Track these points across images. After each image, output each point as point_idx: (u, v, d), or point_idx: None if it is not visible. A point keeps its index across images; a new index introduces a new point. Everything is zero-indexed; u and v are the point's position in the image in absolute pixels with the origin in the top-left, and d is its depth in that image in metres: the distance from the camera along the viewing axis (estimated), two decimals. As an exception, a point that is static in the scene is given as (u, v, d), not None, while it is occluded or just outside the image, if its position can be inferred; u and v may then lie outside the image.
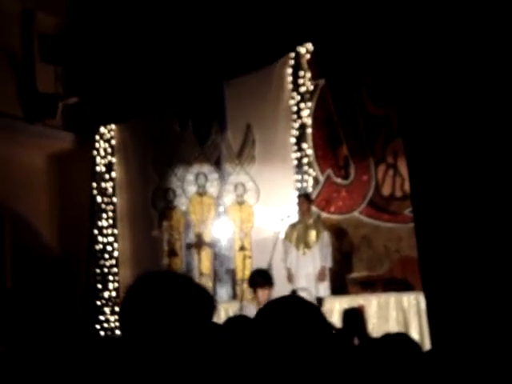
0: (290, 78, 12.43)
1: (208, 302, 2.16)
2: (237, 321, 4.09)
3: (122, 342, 2.10)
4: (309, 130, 12.38)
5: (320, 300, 10.40)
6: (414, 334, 9.73)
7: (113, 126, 14.06)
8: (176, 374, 2.05)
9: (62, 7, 13.87)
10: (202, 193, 13.35)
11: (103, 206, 13.85)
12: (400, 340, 2.89)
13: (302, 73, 12.36)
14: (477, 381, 2.17)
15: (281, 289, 10.26)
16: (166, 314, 2.07)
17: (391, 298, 10.29)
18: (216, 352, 2.16)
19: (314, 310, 2.24)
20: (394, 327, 9.97)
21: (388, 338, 2.92)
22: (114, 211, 13.89)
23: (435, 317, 2.51)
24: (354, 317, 9.93)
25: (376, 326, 10.09)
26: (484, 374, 2.18)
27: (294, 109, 12.40)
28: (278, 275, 10.66)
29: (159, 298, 2.11)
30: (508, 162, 2.31)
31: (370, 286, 11.31)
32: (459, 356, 2.30)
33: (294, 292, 9.60)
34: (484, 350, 2.25)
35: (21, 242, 13.40)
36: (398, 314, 10.13)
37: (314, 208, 11.86)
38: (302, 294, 10.02)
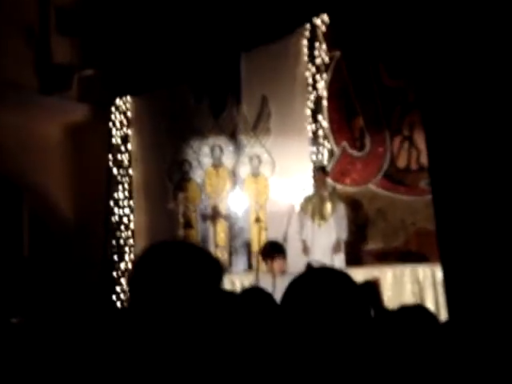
0: (305, 50, 12.39)
1: (216, 270, 2.16)
2: (252, 292, 4.11)
3: (130, 311, 2.11)
4: (324, 102, 12.36)
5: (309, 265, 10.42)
6: (430, 306, 9.74)
7: (128, 98, 14.06)
8: (188, 343, 2.06)
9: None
10: (217, 165, 13.37)
11: (119, 177, 13.89)
12: (417, 312, 2.91)
13: (317, 44, 12.32)
14: (494, 352, 2.19)
15: (296, 261, 10.31)
16: (175, 282, 2.08)
17: (406, 270, 10.28)
18: (230, 321, 2.17)
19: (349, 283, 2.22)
20: (409, 299, 9.99)
21: (404, 309, 2.94)
22: (129, 183, 13.93)
23: (452, 288, 2.53)
24: (370, 289, 9.95)
25: (391, 298, 10.09)
26: (501, 345, 2.19)
27: (310, 81, 12.38)
28: (294, 247, 10.70)
29: (168, 266, 2.12)
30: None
31: (385, 257, 11.32)
32: (476, 327, 2.32)
33: (309, 264, 9.62)
34: (501, 322, 2.27)
35: (38, 214, 13.49)
36: (413, 285, 10.13)
37: (329, 180, 11.86)
38: (318, 265, 10.06)
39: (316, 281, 2.22)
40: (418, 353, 2.60)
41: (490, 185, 2.41)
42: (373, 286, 10.05)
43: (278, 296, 2.86)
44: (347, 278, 2.21)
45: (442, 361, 2.55)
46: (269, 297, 3.98)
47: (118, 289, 13.49)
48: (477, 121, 2.55)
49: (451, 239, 2.53)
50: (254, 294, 3.99)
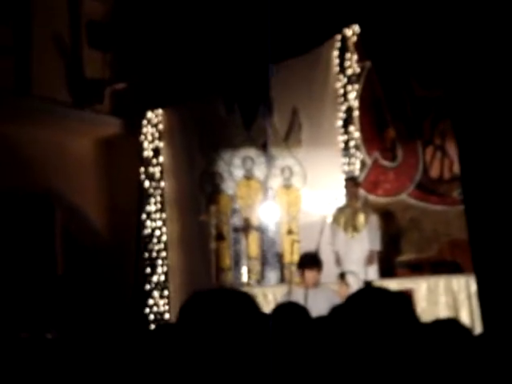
0: (336, 61, 12.39)
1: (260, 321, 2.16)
2: (286, 308, 4.06)
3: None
4: (355, 113, 12.33)
5: (368, 284, 10.36)
6: (465, 318, 9.65)
7: (160, 111, 14.11)
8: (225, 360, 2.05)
9: (108, -7, 13.96)
10: (249, 176, 13.36)
11: (151, 190, 13.92)
12: (451, 325, 2.86)
13: (348, 55, 12.30)
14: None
15: (329, 272, 10.26)
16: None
17: (440, 281, 10.19)
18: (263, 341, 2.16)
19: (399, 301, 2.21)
20: (443, 311, 9.90)
21: (438, 323, 2.90)
22: (161, 196, 13.96)
23: (486, 300, 2.48)
24: (403, 300, 9.87)
25: (425, 310, 10.02)
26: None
27: (341, 91, 12.36)
28: (326, 259, 10.63)
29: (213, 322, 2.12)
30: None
31: (418, 268, 11.24)
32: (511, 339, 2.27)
33: (342, 274, 9.55)
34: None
35: (71, 228, 13.56)
36: (447, 297, 10.03)
37: (361, 191, 11.81)
38: (351, 277, 10.01)
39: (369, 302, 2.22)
40: (452, 366, 2.56)
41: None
42: (406, 298, 10.00)
43: (310, 307, 2.84)
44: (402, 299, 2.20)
45: (475, 375, 2.51)
46: (303, 311, 3.94)
47: (150, 301, 13.50)
48: (508, 131, 2.51)
49: (484, 250, 2.49)
50: (289, 310, 3.93)
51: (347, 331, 2.12)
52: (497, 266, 2.42)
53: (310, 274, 8.33)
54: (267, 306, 9.88)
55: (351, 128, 12.27)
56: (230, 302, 2.18)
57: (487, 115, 2.61)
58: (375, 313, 2.14)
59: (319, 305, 6.83)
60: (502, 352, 2.29)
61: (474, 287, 9.41)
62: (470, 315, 9.70)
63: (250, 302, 2.21)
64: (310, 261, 8.51)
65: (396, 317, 2.13)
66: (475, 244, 2.55)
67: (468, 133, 2.66)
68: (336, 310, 2.19)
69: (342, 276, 9.48)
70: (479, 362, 2.56)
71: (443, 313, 9.81)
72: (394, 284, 10.42)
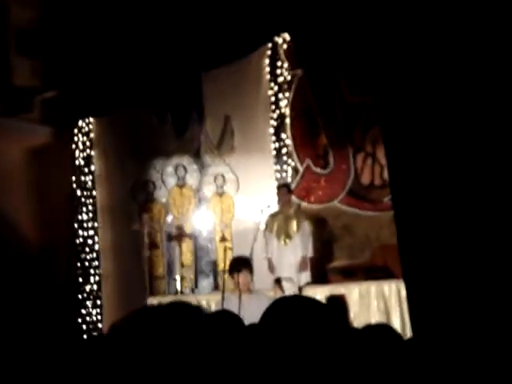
0: (267, 69, 12.46)
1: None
2: (220, 316, 4.06)
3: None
4: (287, 120, 12.41)
5: (300, 289, 10.44)
6: (396, 322, 9.79)
7: (91, 119, 14.00)
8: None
9: (37, 0, 13.79)
10: (181, 184, 13.34)
11: (83, 199, 13.80)
12: (382, 331, 2.91)
13: (279, 63, 12.38)
14: (457, 369, 2.19)
15: (263, 279, 10.31)
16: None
17: (372, 287, 10.32)
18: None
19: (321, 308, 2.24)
20: (375, 315, 10.02)
21: (370, 328, 2.94)
22: (94, 204, 13.84)
23: (415, 305, 2.53)
24: (337, 305, 9.97)
25: (357, 315, 10.13)
26: (464, 362, 2.19)
27: (272, 99, 12.44)
28: (260, 266, 10.68)
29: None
30: (486, 147, 2.32)
31: (351, 274, 11.34)
32: (440, 344, 2.32)
33: (278, 279, 9.59)
34: (465, 338, 2.27)
35: (1, 237, 13.34)
36: (379, 302, 10.17)
37: (294, 198, 11.88)
38: (286, 283, 10.07)
39: (291, 306, 2.24)
40: (383, 370, 2.60)
41: (451, 200, 2.42)
42: (340, 302, 10.10)
43: (244, 315, 2.85)
44: (319, 304, 2.23)
45: (405, 378, 2.55)
46: (237, 319, 3.94)
47: (83, 311, 13.37)
48: (437, 137, 2.56)
49: (413, 255, 2.53)
50: (222, 317, 3.93)
51: (277, 338, 2.14)
52: (425, 272, 2.47)
53: (241, 277, 8.34)
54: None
55: (283, 135, 12.34)
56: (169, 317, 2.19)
57: (415, 122, 2.66)
58: (304, 319, 2.16)
59: (254, 311, 6.84)
60: (429, 356, 2.33)
61: (404, 292, 9.55)
62: (401, 319, 9.84)
63: (191, 313, 2.22)
64: (241, 264, 8.53)
65: (325, 323, 2.15)
66: (404, 249, 2.59)
67: (396, 139, 2.70)
68: (265, 318, 2.20)
69: (278, 281, 9.53)
70: (408, 366, 2.61)
71: (375, 317, 9.93)
72: (326, 290, 10.52)
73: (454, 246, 2.41)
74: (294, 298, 2.39)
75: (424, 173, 2.54)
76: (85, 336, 12.91)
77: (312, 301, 2.27)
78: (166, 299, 10.10)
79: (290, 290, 9.96)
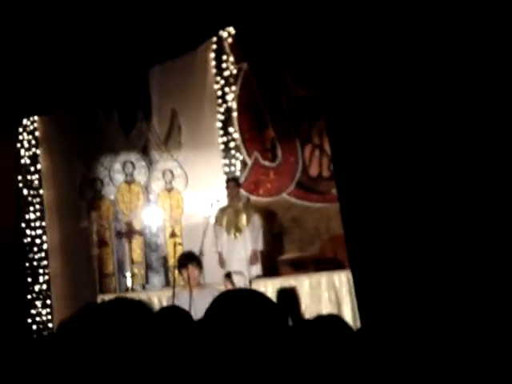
0: (213, 63, 12.44)
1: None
2: (168, 312, 4.06)
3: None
4: (234, 114, 12.43)
5: (251, 283, 10.45)
6: (347, 312, 9.86)
7: (36, 118, 13.84)
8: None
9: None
10: (129, 181, 13.28)
11: (30, 198, 13.62)
12: (332, 321, 2.93)
13: (224, 57, 12.37)
14: (404, 357, 2.21)
15: (213, 273, 10.31)
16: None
17: (323, 278, 10.38)
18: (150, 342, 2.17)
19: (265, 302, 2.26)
20: (326, 307, 10.07)
21: (320, 319, 2.96)
22: (41, 203, 13.68)
23: (363, 294, 2.55)
24: (288, 297, 10.01)
25: (309, 307, 10.17)
26: (411, 350, 2.22)
27: (219, 93, 12.43)
28: (210, 260, 10.69)
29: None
30: (426, 139, 2.35)
31: (301, 266, 11.39)
32: (387, 333, 2.34)
33: (228, 274, 9.59)
34: (411, 327, 2.29)
35: None
36: (330, 293, 10.22)
37: (242, 192, 11.90)
38: (236, 277, 10.07)
39: (234, 301, 2.25)
40: (333, 360, 2.62)
41: (394, 190, 2.44)
42: (291, 294, 10.13)
43: (195, 309, 2.85)
44: (262, 297, 2.25)
45: (354, 368, 2.57)
46: (186, 315, 3.94)
47: (33, 311, 13.23)
48: (380, 129, 2.58)
49: (359, 245, 2.55)
50: (172, 313, 3.93)
51: (221, 332, 2.14)
52: (371, 261, 2.49)
53: (190, 271, 8.33)
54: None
55: (231, 129, 12.36)
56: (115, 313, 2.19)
57: (358, 114, 2.68)
58: (248, 312, 2.17)
59: (205, 306, 6.84)
60: (377, 346, 2.36)
61: (354, 282, 9.62)
62: (352, 310, 9.90)
63: (141, 310, 2.22)
64: (188, 259, 8.54)
65: (271, 315, 2.17)
66: (350, 240, 2.61)
67: (340, 131, 2.72)
68: (209, 313, 2.21)
69: (228, 275, 9.53)
70: (358, 357, 2.63)
71: (326, 309, 9.98)
72: (277, 282, 10.54)
73: (398, 236, 2.43)
74: (239, 292, 2.41)
75: (368, 164, 2.55)
76: (35, 336, 12.78)
77: (257, 294, 2.28)
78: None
79: (240, 283, 9.96)
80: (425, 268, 2.29)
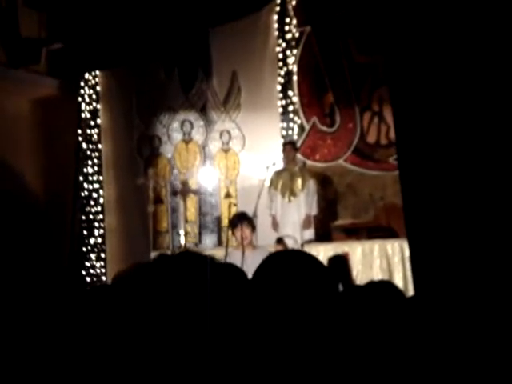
0: (275, 25, 12.36)
1: None
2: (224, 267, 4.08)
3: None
4: (295, 78, 12.37)
5: (302, 246, 10.47)
6: (398, 281, 9.84)
7: (98, 73, 13.95)
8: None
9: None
10: (187, 140, 13.35)
11: (88, 152, 13.80)
12: (384, 287, 2.93)
13: (287, 19, 12.29)
14: (457, 328, 2.22)
15: (266, 236, 10.35)
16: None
17: (375, 245, 10.36)
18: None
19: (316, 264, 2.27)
20: (377, 274, 10.07)
21: (372, 285, 2.97)
22: (99, 158, 13.85)
23: (418, 264, 2.54)
24: (339, 263, 10.02)
25: (360, 273, 10.18)
26: (464, 322, 2.22)
27: (280, 56, 12.37)
28: (264, 222, 10.73)
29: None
30: (498, 117, 2.32)
31: (354, 233, 11.38)
32: (441, 303, 2.34)
33: (279, 239, 9.62)
34: (466, 298, 2.29)
35: (6, 188, 13.38)
36: (381, 261, 10.21)
37: (299, 156, 11.88)
38: (289, 241, 10.09)
39: (285, 261, 2.26)
40: (384, 327, 2.63)
41: (457, 161, 2.43)
42: (342, 260, 10.14)
43: (247, 270, 2.87)
44: (313, 259, 2.25)
45: (406, 335, 2.58)
46: (240, 273, 3.97)
47: (87, 264, 13.45)
48: (444, 97, 2.56)
49: (417, 215, 2.55)
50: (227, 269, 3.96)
51: (272, 292, 2.16)
52: (429, 232, 2.49)
53: (241, 231, 8.35)
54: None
55: (290, 93, 12.31)
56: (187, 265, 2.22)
57: (424, 82, 2.66)
58: (298, 273, 2.19)
59: (257, 266, 6.88)
60: (431, 314, 2.36)
61: (407, 251, 9.58)
62: (403, 278, 9.89)
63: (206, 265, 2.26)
64: (241, 218, 8.55)
65: (321, 278, 2.18)
66: (408, 209, 2.60)
67: (403, 98, 2.70)
68: (259, 273, 2.23)
69: (280, 241, 9.55)
70: (411, 322, 2.64)
71: (378, 276, 9.99)
72: (329, 248, 10.56)
73: (458, 207, 2.42)
74: (290, 253, 2.42)
75: (431, 133, 2.54)
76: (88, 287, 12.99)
77: (308, 256, 2.30)
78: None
79: (293, 247, 9.98)
80: (488, 242, 2.28)
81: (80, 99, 13.87)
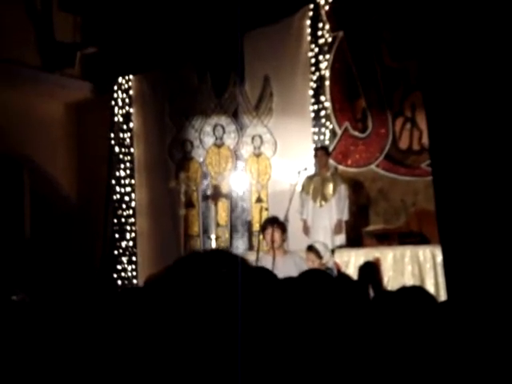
0: (308, 30, 12.37)
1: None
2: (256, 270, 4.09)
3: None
4: (327, 83, 12.36)
5: (333, 252, 10.42)
6: (430, 288, 9.77)
7: (131, 77, 14.03)
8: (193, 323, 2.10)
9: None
10: (219, 144, 13.38)
11: (121, 156, 13.86)
12: (416, 293, 2.93)
13: (320, 25, 12.29)
14: (490, 334, 2.21)
15: (297, 241, 10.34)
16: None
17: (407, 251, 10.30)
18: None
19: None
20: (409, 280, 10.01)
21: (404, 290, 2.96)
22: (131, 162, 13.91)
23: (451, 270, 2.54)
24: (370, 269, 9.99)
25: (391, 279, 10.14)
26: (497, 326, 2.22)
27: (313, 61, 12.37)
28: (295, 227, 10.72)
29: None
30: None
31: (385, 239, 11.33)
32: (474, 308, 2.34)
33: (310, 247, 9.58)
34: (499, 304, 2.29)
35: (39, 191, 13.51)
36: (413, 267, 10.15)
37: (331, 161, 11.87)
38: (319, 247, 10.06)
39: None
40: (416, 332, 2.63)
41: (489, 167, 2.42)
42: (373, 267, 10.11)
43: (277, 274, 2.88)
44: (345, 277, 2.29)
45: (439, 340, 2.58)
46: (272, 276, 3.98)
47: (118, 267, 13.52)
48: (478, 103, 2.56)
49: (451, 221, 2.54)
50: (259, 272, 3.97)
51: (313, 295, 2.17)
52: (462, 238, 2.48)
53: (271, 234, 8.36)
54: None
55: (322, 98, 12.30)
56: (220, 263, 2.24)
57: (457, 87, 2.65)
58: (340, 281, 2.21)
59: (288, 272, 6.89)
60: (463, 319, 2.36)
61: (439, 258, 9.54)
62: (435, 285, 9.84)
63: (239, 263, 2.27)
64: (272, 221, 8.57)
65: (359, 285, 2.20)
66: (442, 215, 2.60)
67: (437, 104, 2.70)
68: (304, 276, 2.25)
69: (311, 248, 9.53)
70: (443, 328, 2.63)
71: (409, 282, 9.92)
72: (360, 253, 10.53)
73: (490, 214, 2.42)
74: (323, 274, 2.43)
75: (464, 138, 2.54)
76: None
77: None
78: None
79: (324, 253, 9.94)
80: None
81: (113, 103, 13.94)
